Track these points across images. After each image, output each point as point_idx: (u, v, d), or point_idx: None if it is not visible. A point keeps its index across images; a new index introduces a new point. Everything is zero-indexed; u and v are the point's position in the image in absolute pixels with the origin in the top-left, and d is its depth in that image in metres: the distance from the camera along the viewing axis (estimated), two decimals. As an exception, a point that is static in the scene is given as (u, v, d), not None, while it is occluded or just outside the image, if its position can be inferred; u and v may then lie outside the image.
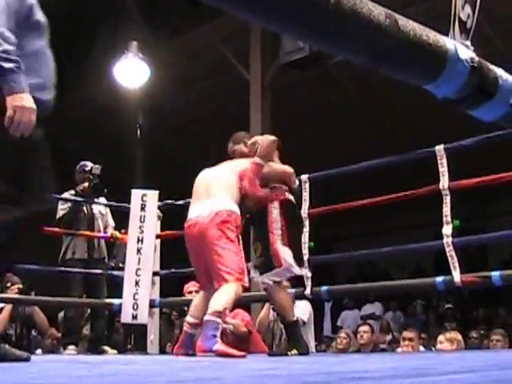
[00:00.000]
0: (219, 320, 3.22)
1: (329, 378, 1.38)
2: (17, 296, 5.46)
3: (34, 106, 2.24)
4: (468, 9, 1.25)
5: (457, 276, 3.77)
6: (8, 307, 5.62)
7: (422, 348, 5.74)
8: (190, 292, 5.09)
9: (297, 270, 3.61)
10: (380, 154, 4.55)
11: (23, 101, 2.23)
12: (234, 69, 9.34)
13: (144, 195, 5.38)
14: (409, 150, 4.40)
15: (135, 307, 5.15)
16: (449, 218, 3.88)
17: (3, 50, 2.23)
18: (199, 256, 3.54)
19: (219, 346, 3.16)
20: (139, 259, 5.22)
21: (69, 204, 5.36)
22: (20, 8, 2.36)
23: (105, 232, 5.58)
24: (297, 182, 4.03)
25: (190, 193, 3.82)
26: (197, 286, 4.43)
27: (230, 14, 0.97)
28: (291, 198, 3.75)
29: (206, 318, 3.22)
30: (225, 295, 3.29)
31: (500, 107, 1.18)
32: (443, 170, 3.98)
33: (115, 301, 5.27)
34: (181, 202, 5.05)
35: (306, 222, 4.49)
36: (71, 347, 5.15)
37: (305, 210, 4.52)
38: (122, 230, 5.60)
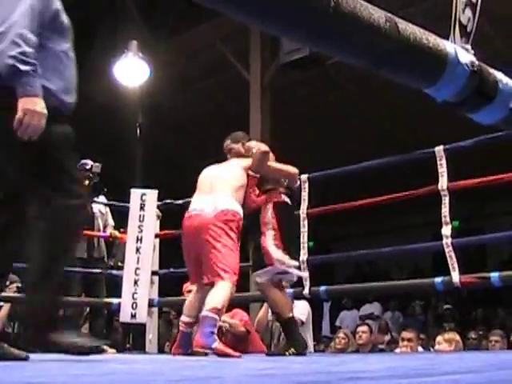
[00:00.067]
0: (217, 317, 3.22)
1: (327, 377, 1.38)
2: (15, 294, 5.46)
3: (45, 112, 2.23)
4: (468, 12, 1.25)
5: (456, 277, 3.77)
6: (6, 306, 5.62)
7: (420, 348, 5.75)
8: (189, 291, 5.08)
9: (290, 267, 3.58)
10: (380, 155, 4.55)
11: (35, 105, 2.21)
12: (234, 68, 9.34)
13: (143, 194, 5.39)
14: (408, 152, 4.41)
15: (134, 306, 5.15)
16: (448, 219, 3.89)
17: (22, 51, 2.21)
18: (193, 248, 3.54)
19: (217, 344, 3.17)
20: (138, 258, 5.22)
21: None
22: (45, 9, 2.35)
23: (104, 231, 5.58)
24: (298, 182, 4.04)
25: (189, 192, 3.82)
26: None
27: (228, 15, 0.97)
28: (287, 199, 3.76)
29: (204, 314, 3.22)
30: (222, 293, 3.30)
31: (500, 111, 1.18)
32: (442, 170, 3.99)
33: (114, 300, 5.27)
34: (180, 202, 5.05)
35: (305, 222, 4.50)
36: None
37: (303, 210, 4.52)
38: (121, 230, 5.60)
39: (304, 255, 4.41)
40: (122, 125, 9.32)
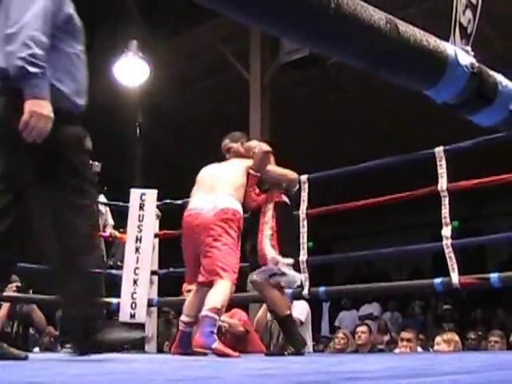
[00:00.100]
0: (217, 316, 3.22)
1: (326, 378, 1.38)
2: (15, 294, 5.45)
3: (52, 115, 2.22)
4: (469, 14, 1.26)
5: (455, 278, 3.77)
6: (6, 305, 5.62)
7: (419, 349, 5.75)
8: (189, 291, 5.08)
9: (285, 266, 3.58)
10: (379, 156, 4.56)
11: (43, 108, 2.20)
12: (234, 68, 9.34)
13: (143, 194, 5.38)
14: (408, 153, 4.41)
15: (133, 306, 5.14)
16: (448, 220, 3.89)
17: (32, 53, 2.20)
18: (192, 247, 3.54)
19: (217, 344, 3.17)
20: (137, 258, 5.22)
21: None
22: (57, 11, 2.34)
23: (104, 231, 5.57)
24: (297, 187, 4.04)
25: (188, 192, 3.82)
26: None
27: (228, 15, 0.97)
28: (286, 199, 3.76)
29: (204, 313, 3.22)
30: (222, 292, 3.30)
31: (499, 113, 1.18)
32: (442, 171, 3.99)
33: (113, 300, 5.27)
34: (179, 202, 5.05)
35: (305, 223, 4.50)
36: (69, 346, 5.15)
37: (303, 211, 4.52)
38: (121, 229, 5.60)
39: (304, 256, 4.41)
40: (121, 124, 9.33)
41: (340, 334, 6.34)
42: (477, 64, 1.15)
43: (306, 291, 4.41)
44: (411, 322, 9.68)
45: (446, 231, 3.88)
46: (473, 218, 11.76)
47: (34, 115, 2.19)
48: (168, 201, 5.47)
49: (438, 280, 3.94)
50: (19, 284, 5.62)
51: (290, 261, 3.62)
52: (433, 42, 1.07)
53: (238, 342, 4.43)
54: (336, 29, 0.95)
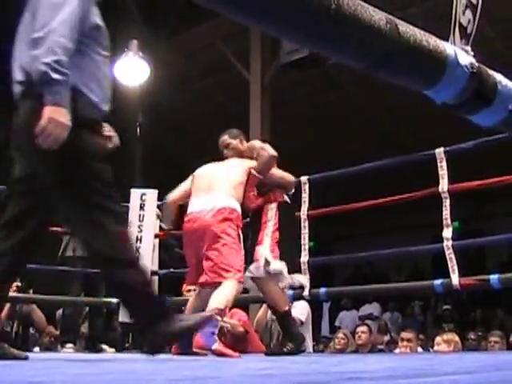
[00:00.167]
0: (219, 317, 3.22)
1: (326, 378, 1.38)
2: (15, 294, 5.46)
3: (70, 124, 2.21)
4: (469, 14, 1.26)
5: (455, 279, 3.78)
6: (6, 305, 5.62)
7: (419, 349, 5.75)
8: (189, 291, 5.09)
9: (276, 264, 3.57)
10: (380, 156, 4.56)
11: (61, 116, 2.19)
12: (234, 68, 9.34)
13: (143, 194, 5.39)
14: (409, 154, 4.41)
15: (133, 306, 5.14)
16: (449, 221, 3.89)
17: (57, 60, 2.19)
18: (193, 251, 3.54)
19: (217, 345, 3.17)
20: (138, 258, 5.21)
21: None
22: (85, 18, 2.34)
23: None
24: (293, 190, 4.04)
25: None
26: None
27: (228, 16, 0.97)
28: (288, 200, 3.78)
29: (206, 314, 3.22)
30: (225, 293, 3.29)
31: (499, 113, 1.18)
32: (443, 172, 3.99)
33: (113, 299, 5.26)
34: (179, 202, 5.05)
35: (306, 224, 4.50)
36: (69, 345, 5.15)
37: (304, 212, 4.52)
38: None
39: (305, 256, 4.42)
40: (121, 124, 9.31)
41: (340, 334, 6.34)
42: (476, 64, 1.15)
43: (306, 292, 4.41)
44: (411, 323, 9.68)
45: (447, 233, 3.88)
46: (474, 219, 11.76)
47: (52, 122, 2.17)
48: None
49: (438, 281, 3.94)
50: (19, 284, 5.63)
51: (280, 265, 3.60)
52: (433, 42, 1.07)
53: (237, 342, 4.43)
54: (336, 29, 0.95)
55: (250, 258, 3.62)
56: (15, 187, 2.42)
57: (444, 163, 4.00)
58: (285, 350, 3.42)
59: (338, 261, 9.17)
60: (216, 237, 3.39)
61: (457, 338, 5.16)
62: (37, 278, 5.61)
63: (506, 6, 7.44)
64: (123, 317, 5.24)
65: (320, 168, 4.77)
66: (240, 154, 3.82)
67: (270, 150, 3.67)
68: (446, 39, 1.19)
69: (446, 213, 3.91)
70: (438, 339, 5.20)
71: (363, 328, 6.15)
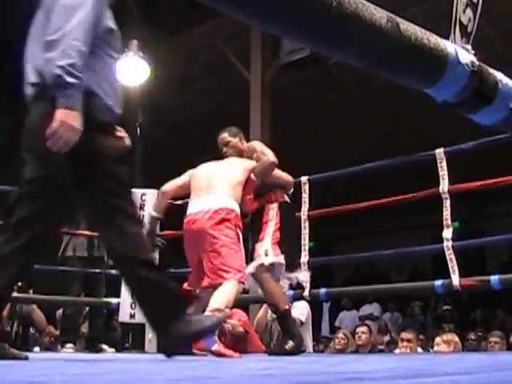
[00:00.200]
0: (225, 314, 3.21)
1: (326, 378, 1.38)
2: (15, 294, 5.45)
3: (81, 128, 2.21)
4: (469, 12, 1.25)
5: (456, 280, 3.77)
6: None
7: (419, 349, 5.75)
8: (189, 292, 5.09)
9: (275, 258, 3.57)
10: (380, 156, 4.56)
11: (73, 119, 2.18)
12: (234, 68, 9.34)
13: (143, 194, 5.38)
14: (410, 153, 4.41)
15: (133, 306, 5.14)
16: (449, 222, 3.89)
17: (71, 63, 2.18)
18: (194, 253, 3.54)
19: (217, 346, 3.16)
20: (138, 258, 5.21)
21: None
22: (98, 22, 2.33)
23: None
24: (292, 189, 4.04)
25: (188, 192, 3.81)
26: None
27: (229, 15, 0.97)
28: (287, 199, 3.78)
29: (207, 315, 3.21)
30: (225, 294, 3.28)
31: (499, 111, 1.18)
32: (443, 173, 3.99)
33: (113, 300, 5.27)
34: (180, 202, 5.05)
35: (306, 224, 4.50)
36: (69, 345, 5.16)
37: (304, 212, 4.52)
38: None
39: (305, 257, 4.42)
40: (122, 124, 9.31)
41: (340, 335, 6.34)
42: (477, 62, 1.15)
43: (306, 292, 4.41)
44: (411, 323, 9.68)
45: (447, 233, 3.88)
46: (474, 219, 11.76)
47: (63, 125, 2.17)
48: (168, 201, 5.46)
49: (438, 282, 3.94)
50: (19, 284, 5.62)
51: (280, 259, 3.61)
52: (433, 40, 1.07)
53: (237, 343, 4.42)
54: (337, 28, 0.95)
55: (250, 258, 3.62)
56: (26, 189, 2.41)
57: (444, 163, 4.00)
58: (286, 347, 3.41)
59: (338, 261, 9.17)
60: (214, 238, 3.38)
61: (456, 339, 5.15)
62: (37, 278, 5.61)
63: (506, 5, 7.44)
64: (123, 317, 5.24)
65: (320, 168, 4.76)
66: (240, 153, 3.81)
67: (270, 156, 3.66)
68: (447, 39, 1.18)
69: (447, 213, 3.91)
70: (437, 340, 5.20)
71: (363, 328, 6.15)
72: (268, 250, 3.54)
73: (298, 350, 3.45)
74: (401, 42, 1.02)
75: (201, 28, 9.45)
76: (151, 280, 2.32)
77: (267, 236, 3.59)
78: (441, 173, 4.00)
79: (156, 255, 5.50)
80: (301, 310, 5.25)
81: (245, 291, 3.89)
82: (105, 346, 5.25)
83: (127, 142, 2.91)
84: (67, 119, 2.18)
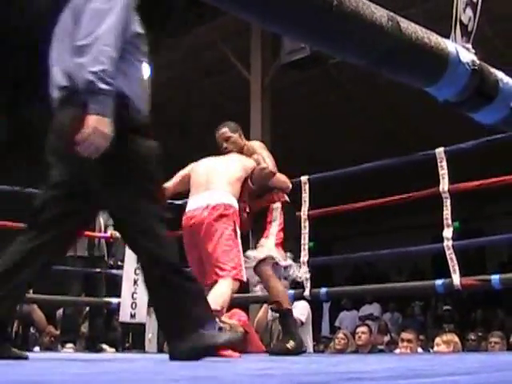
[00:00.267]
0: (216, 319, 3.20)
1: (326, 378, 1.38)
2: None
3: (112, 135, 2.19)
4: (469, 12, 1.25)
5: (456, 279, 3.77)
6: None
7: (419, 349, 5.75)
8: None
9: (281, 261, 3.58)
10: (381, 156, 4.56)
11: (105, 126, 2.17)
12: (234, 68, 9.34)
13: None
14: (410, 152, 4.41)
15: (133, 306, 5.15)
16: (449, 221, 3.89)
17: (103, 69, 2.16)
18: (193, 249, 3.53)
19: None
20: (138, 258, 5.21)
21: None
22: (128, 26, 2.31)
23: (105, 231, 5.57)
24: (289, 188, 4.04)
25: (188, 192, 3.81)
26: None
27: (230, 13, 0.97)
28: (287, 199, 3.79)
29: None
30: (221, 293, 3.27)
31: (500, 110, 1.18)
32: (443, 172, 3.99)
33: (113, 299, 5.27)
34: (180, 202, 5.05)
35: (306, 224, 4.50)
36: (69, 345, 5.16)
37: (304, 212, 4.52)
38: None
39: (305, 256, 4.42)
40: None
41: (340, 335, 6.34)
42: (478, 61, 1.15)
43: (307, 292, 4.41)
44: (411, 323, 9.68)
45: (447, 232, 3.88)
46: (474, 219, 11.76)
47: (96, 131, 2.15)
48: (169, 201, 5.46)
49: (439, 281, 3.94)
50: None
51: (288, 262, 3.62)
52: (434, 39, 1.07)
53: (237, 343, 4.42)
54: (338, 26, 0.95)
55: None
56: (52, 193, 2.39)
57: (444, 163, 4.00)
58: (288, 346, 3.40)
59: (338, 261, 9.17)
60: (211, 234, 3.37)
61: (456, 339, 5.15)
62: (37, 278, 5.60)
63: (506, 5, 7.45)
64: (123, 317, 5.24)
65: (321, 168, 4.76)
66: (240, 149, 3.80)
67: (271, 166, 3.67)
68: (447, 39, 1.18)
69: (447, 212, 3.91)
70: (437, 340, 5.19)
71: (363, 328, 6.15)
72: (272, 250, 3.54)
73: (299, 350, 3.44)
74: (401, 41, 1.02)
75: (201, 28, 9.45)
76: (180, 287, 2.27)
77: (271, 236, 3.58)
78: (441, 172, 4.00)
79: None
80: (301, 310, 5.25)
81: (245, 291, 3.88)
82: (105, 346, 5.25)
83: None
84: (99, 125, 2.16)
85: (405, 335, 5.49)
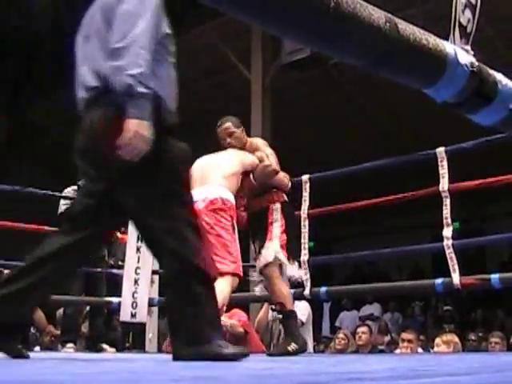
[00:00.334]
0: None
1: (326, 378, 1.38)
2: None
3: (151, 138, 2.19)
4: (468, 13, 1.26)
5: (456, 278, 3.78)
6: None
7: (420, 350, 5.75)
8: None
9: (287, 263, 3.58)
10: (380, 156, 4.56)
11: (145, 129, 2.17)
12: (235, 68, 9.35)
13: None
14: (409, 152, 4.41)
15: (134, 306, 5.15)
16: (449, 220, 3.89)
17: (141, 72, 2.15)
18: None
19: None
20: (139, 258, 5.22)
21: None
22: (159, 27, 2.31)
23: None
24: (289, 186, 4.04)
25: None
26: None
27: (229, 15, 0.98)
28: (286, 198, 3.79)
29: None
30: (220, 291, 3.25)
31: (499, 112, 1.18)
32: (443, 172, 3.99)
33: (114, 299, 5.27)
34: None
35: (306, 223, 4.50)
36: (69, 345, 5.16)
37: (304, 211, 4.52)
38: (122, 230, 5.60)
39: (305, 256, 4.42)
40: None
41: (340, 335, 6.34)
42: (476, 63, 1.15)
43: (307, 291, 4.41)
44: (411, 323, 9.68)
45: (447, 232, 3.89)
46: (474, 219, 11.77)
47: (137, 135, 2.14)
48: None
49: (439, 281, 3.94)
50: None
51: (299, 273, 3.64)
52: (432, 40, 1.07)
53: (237, 343, 4.43)
54: (336, 28, 0.95)
55: (248, 258, 3.62)
56: (86, 201, 2.40)
57: (445, 163, 4.00)
58: (289, 348, 3.40)
59: (339, 260, 9.17)
60: (209, 228, 3.36)
61: (456, 339, 5.15)
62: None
63: (506, 6, 7.45)
64: (124, 316, 5.24)
65: (321, 168, 4.77)
66: (243, 145, 3.79)
67: (274, 164, 3.67)
68: (446, 40, 1.18)
69: (447, 212, 3.91)
70: (437, 340, 5.19)
71: (364, 328, 6.15)
72: (278, 252, 3.54)
73: (300, 352, 3.44)
74: (399, 42, 1.02)
75: (201, 28, 9.45)
76: (198, 293, 2.23)
77: (275, 238, 3.57)
78: (441, 171, 4.00)
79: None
80: (302, 310, 5.25)
81: (245, 290, 3.88)
82: (105, 346, 5.25)
83: None
84: (140, 129, 2.15)
85: (405, 335, 5.49)
